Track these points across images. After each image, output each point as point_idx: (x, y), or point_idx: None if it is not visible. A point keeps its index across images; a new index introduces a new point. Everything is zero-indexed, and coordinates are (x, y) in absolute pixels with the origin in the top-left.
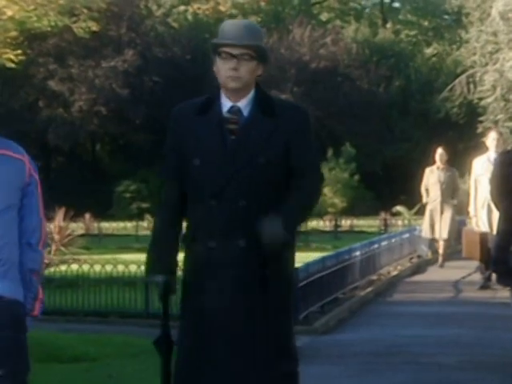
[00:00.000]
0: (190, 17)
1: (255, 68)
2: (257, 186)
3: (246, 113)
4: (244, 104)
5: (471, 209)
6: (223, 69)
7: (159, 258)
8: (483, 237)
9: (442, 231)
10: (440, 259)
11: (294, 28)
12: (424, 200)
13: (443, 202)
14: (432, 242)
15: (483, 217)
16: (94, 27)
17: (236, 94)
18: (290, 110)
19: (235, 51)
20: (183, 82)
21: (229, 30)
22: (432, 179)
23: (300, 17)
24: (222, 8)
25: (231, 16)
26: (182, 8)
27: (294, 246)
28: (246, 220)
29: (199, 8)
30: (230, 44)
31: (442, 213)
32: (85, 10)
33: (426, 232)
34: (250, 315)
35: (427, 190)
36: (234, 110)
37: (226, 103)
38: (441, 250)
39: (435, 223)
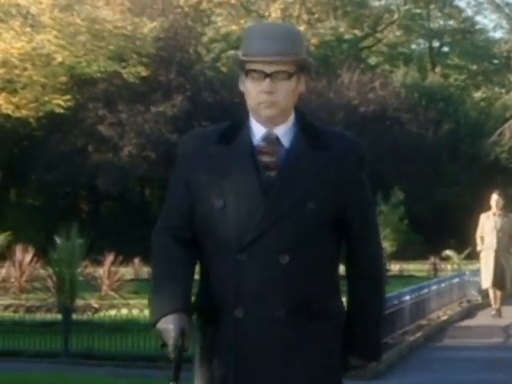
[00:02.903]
0: None
1: (295, 87)
2: (304, 237)
3: (285, 142)
4: (282, 131)
5: None
6: (253, 92)
7: (166, 297)
8: None
9: (503, 281)
10: (496, 311)
11: (343, 72)
12: (478, 248)
13: (499, 249)
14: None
15: None
16: (144, 72)
17: (271, 120)
18: (340, 141)
19: (268, 69)
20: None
21: (258, 39)
22: (488, 226)
23: (349, 61)
24: None
25: None
26: (231, 52)
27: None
28: (288, 282)
29: None
30: (260, 60)
31: (498, 261)
32: (134, 56)
33: (485, 283)
34: None
35: (482, 238)
36: (271, 139)
37: (258, 130)
38: (498, 302)
39: (491, 271)
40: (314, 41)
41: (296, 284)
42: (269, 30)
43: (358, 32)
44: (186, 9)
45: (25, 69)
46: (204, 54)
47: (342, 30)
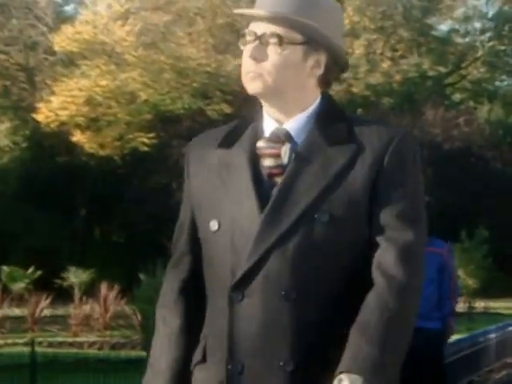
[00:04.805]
0: None
1: (300, 60)
2: (316, 262)
3: (299, 139)
4: (296, 125)
5: None
6: (243, 60)
7: None
8: None
9: None
10: None
11: (427, 109)
12: None
13: None
14: None
15: None
16: (227, 110)
17: (282, 109)
18: (375, 133)
19: (259, 28)
20: None
21: None
22: None
23: (433, 98)
24: (354, 89)
25: (364, 97)
26: None
27: None
28: (297, 324)
29: (332, 90)
30: (253, 15)
31: None
32: (218, 93)
33: None
34: None
35: None
36: (278, 136)
37: (269, 125)
38: None
39: None
40: (397, 77)
41: (308, 327)
42: None
43: (441, 69)
44: None
45: (109, 107)
46: None
47: (425, 66)
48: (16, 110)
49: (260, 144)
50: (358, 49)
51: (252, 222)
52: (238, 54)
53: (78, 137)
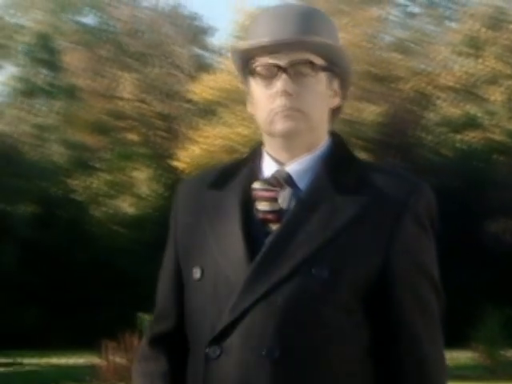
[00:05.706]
0: (460, 145)
1: (326, 89)
2: (305, 322)
3: (301, 183)
4: (300, 167)
5: None
6: (263, 98)
7: None
8: None
9: None
10: None
11: None
12: None
13: None
14: None
15: None
16: (366, 157)
17: (291, 149)
18: (392, 188)
19: (283, 59)
20: (455, 212)
21: (266, 22)
22: None
23: None
24: (493, 136)
25: (503, 144)
26: (452, 136)
27: None
28: None
29: (468, 135)
30: (269, 45)
31: None
32: (356, 140)
33: None
34: None
35: None
36: (277, 178)
37: (269, 167)
38: None
39: None
40: None
41: None
42: (281, 9)
43: None
44: (410, 94)
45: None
46: (423, 137)
47: None
48: (155, 158)
49: (255, 185)
50: (498, 96)
51: (238, 271)
52: (376, 101)
53: None
